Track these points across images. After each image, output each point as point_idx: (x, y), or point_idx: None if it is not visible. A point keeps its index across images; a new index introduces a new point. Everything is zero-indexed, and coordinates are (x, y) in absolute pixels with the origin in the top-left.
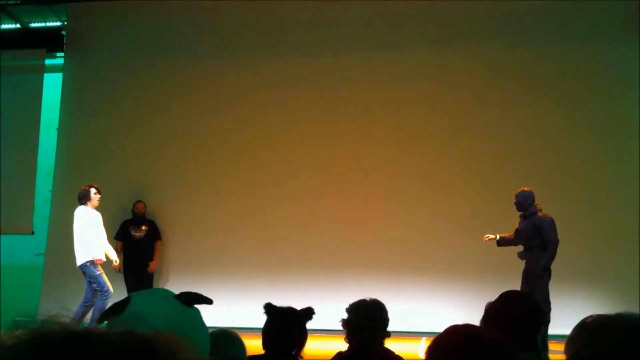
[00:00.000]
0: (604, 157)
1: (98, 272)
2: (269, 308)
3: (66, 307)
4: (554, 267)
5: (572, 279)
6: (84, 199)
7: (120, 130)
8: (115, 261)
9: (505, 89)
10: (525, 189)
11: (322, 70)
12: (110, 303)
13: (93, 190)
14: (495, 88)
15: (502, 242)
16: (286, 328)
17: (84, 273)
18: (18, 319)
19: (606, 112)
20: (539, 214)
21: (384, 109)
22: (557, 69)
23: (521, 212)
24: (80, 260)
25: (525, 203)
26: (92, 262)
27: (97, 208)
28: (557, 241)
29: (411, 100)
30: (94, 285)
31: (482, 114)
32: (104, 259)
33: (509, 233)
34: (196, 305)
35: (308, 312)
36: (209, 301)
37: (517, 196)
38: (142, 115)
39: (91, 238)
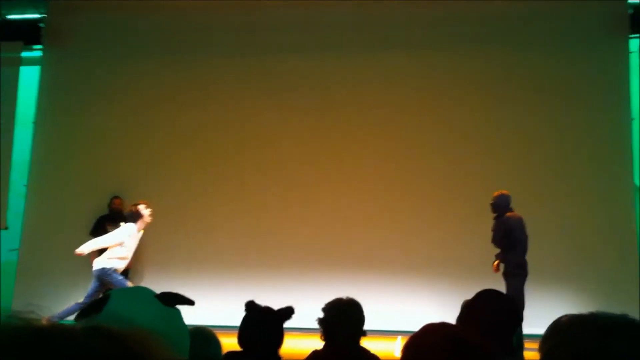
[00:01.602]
0: (586, 159)
1: (120, 277)
2: (250, 305)
3: (39, 304)
4: (529, 266)
5: (546, 278)
6: (133, 217)
7: (98, 125)
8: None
9: (486, 96)
10: (504, 192)
11: (317, 71)
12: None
13: (143, 206)
14: (477, 94)
15: (492, 240)
16: (264, 326)
17: (99, 279)
18: None
19: (593, 114)
20: (508, 214)
21: (378, 111)
22: (545, 73)
23: (495, 214)
24: (99, 265)
25: (500, 205)
26: (115, 270)
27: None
28: (524, 238)
29: (401, 106)
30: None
31: (462, 120)
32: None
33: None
34: (177, 306)
35: (287, 312)
36: (190, 302)
37: (494, 198)
38: (120, 111)
39: (117, 254)
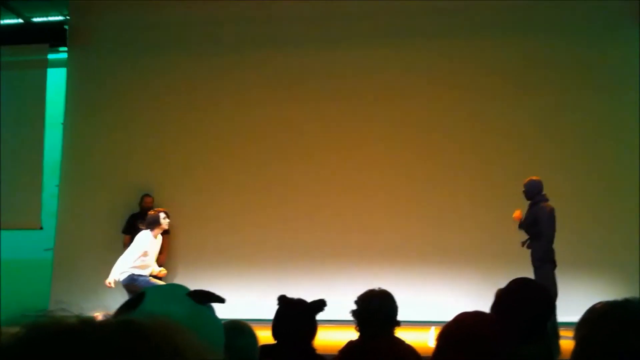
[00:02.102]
0: (609, 149)
1: (147, 279)
2: (283, 299)
3: (75, 302)
4: (561, 254)
5: (580, 266)
6: (153, 224)
7: (126, 124)
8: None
9: (505, 85)
10: (534, 178)
11: (323, 66)
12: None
13: (162, 215)
14: (495, 83)
15: (520, 225)
16: (297, 318)
17: (128, 289)
18: (24, 315)
19: (607, 105)
20: (542, 204)
21: (383, 106)
22: (558, 64)
23: (529, 201)
24: (122, 275)
25: (531, 192)
26: (138, 275)
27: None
28: (552, 232)
29: (409, 97)
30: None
31: (483, 110)
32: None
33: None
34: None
35: (320, 304)
36: (221, 300)
37: (525, 185)
38: (147, 110)
39: (146, 264)
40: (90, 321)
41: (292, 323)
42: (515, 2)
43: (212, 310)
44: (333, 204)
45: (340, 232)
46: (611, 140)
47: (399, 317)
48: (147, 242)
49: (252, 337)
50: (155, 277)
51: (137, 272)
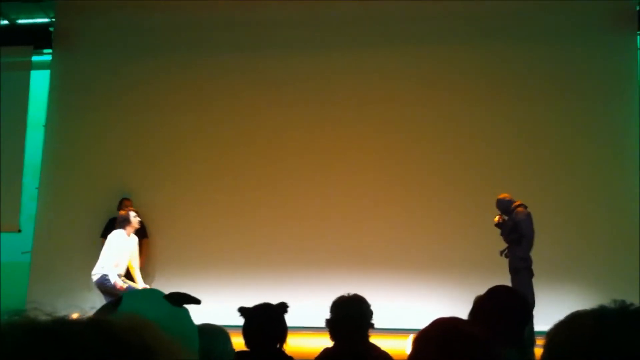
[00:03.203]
0: (591, 156)
1: (119, 285)
2: (242, 310)
3: (52, 304)
4: (540, 264)
5: (559, 275)
6: (123, 222)
7: (107, 128)
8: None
9: (489, 90)
10: (501, 196)
11: (313, 69)
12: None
13: (132, 214)
14: (480, 89)
15: (498, 225)
16: (264, 324)
17: (102, 291)
18: None
19: (601, 110)
20: (518, 209)
21: (373, 108)
22: (552, 69)
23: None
24: (95, 276)
25: (504, 207)
26: (108, 279)
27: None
28: (532, 234)
29: (400, 100)
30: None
31: (466, 115)
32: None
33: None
34: (185, 305)
35: (282, 307)
36: (197, 301)
37: (496, 204)
38: (129, 113)
39: (117, 263)
40: (62, 320)
41: (261, 328)
42: (502, 7)
43: (187, 314)
44: (315, 209)
45: (320, 239)
46: (594, 148)
47: (376, 323)
48: (120, 241)
49: (227, 341)
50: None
51: (110, 272)
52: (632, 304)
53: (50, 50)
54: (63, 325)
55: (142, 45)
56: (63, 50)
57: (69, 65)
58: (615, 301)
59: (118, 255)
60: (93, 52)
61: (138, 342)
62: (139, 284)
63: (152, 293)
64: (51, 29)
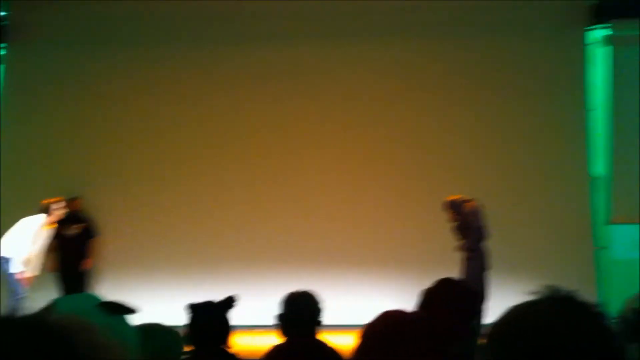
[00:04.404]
0: (542, 151)
1: (13, 272)
2: (190, 306)
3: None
4: (494, 259)
5: (508, 270)
6: (43, 212)
7: (60, 125)
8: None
9: (447, 87)
10: (450, 198)
11: (296, 60)
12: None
13: (54, 206)
14: (438, 86)
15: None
16: (205, 321)
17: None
18: None
19: (551, 106)
20: (466, 204)
21: (328, 106)
22: (503, 66)
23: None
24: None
25: (456, 207)
26: (12, 263)
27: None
28: (481, 225)
29: (356, 97)
30: (8, 283)
31: (425, 113)
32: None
33: None
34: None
35: (229, 301)
36: (132, 311)
37: (447, 206)
38: (82, 110)
39: (26, 247)
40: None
41: (201, 325)
42: (453, 5)
43: (123, 320)
44: (257, 209)
45: (272, 235)
46: (544, 144)
47: (329, 322)
48: (33, 227)
49: (176, 341)
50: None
51: (18, 256)
52: (562, 290)
53: (4, 45)
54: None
55: (99, 39)
56: (17, 45)
57: (23, 59)
58: (547, 287)
59: (28, 240)
60: (49, 46)
61: (71, 341)
62: (29, 271)
63: (86, 299)
64: (6, 22)
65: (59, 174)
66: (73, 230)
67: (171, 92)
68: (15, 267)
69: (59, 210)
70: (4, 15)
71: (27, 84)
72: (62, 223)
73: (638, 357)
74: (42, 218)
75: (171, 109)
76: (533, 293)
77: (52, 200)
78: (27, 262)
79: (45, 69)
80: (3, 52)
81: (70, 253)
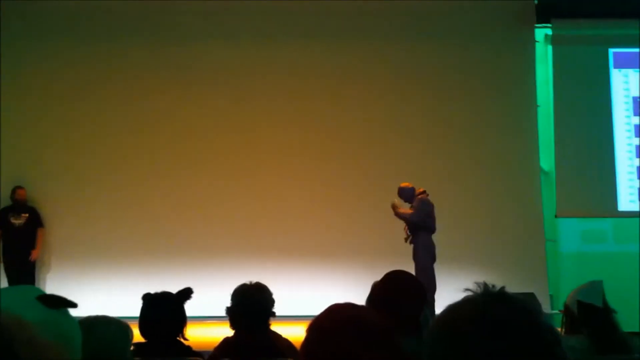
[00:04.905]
0: (494, 146)
1: None
2: (145, 296)
3: None
4: (444, 252)
5: (458, 262)
6: None
7: (12, 114)
8: None
9: (399, 85)
10: (402, 185)
11: (243, 59)
12: None
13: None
14: (388, 84)
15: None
16: (160, 312)
17: None
18: None
19: (500, 102)
20: (418, 197)
21: (294, 100)
22: (456, 64)
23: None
24: None
25: (407, 195)
26: None
27: None
28: (433, 221)
29: (315, 92)
30: None
31: (383, 108)
32: None
33: None
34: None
35: (185, 293)
36: (73, 305)
37: (398, 192)
38: (22, 98)
39: None
40: None
41: (156, 316)
42: (409, 5)
43: (66, 313)
44: (209, 200)
45: (225, 227)
46: (497, 140)
47: (280, 313)
48: None
49: (124, 333)
50: None
51: None
52: (494, 286)
53: None
54: None
55: (91, 34)
56: (9, 40)
57: (15, 54)
58: (479, 284)
59: None
60: (40, 41)
61: (12, 339)
62: None
63: (27, 292)
64: None
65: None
66: (19, 219)
67: (119, 83)
68: None
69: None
70: None
71: (19, 80)
72: (8, 212)
73: (585, 348)
74: None
75: (163, 105)
76: (467, 290)
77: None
78: None
79: (36, 64)
80: None
81: (17, 243)
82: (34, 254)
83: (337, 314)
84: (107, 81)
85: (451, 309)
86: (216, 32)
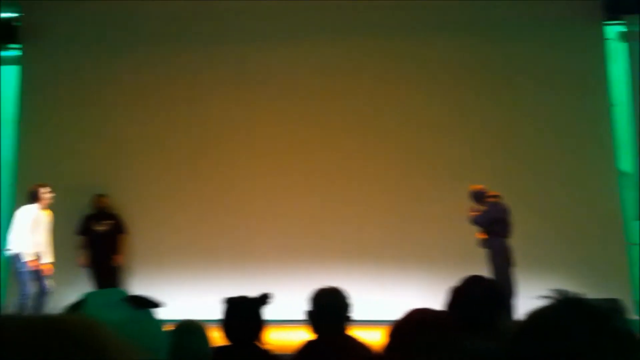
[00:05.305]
0: (569, 147)
1: (25, 270)
2: (227, 300)
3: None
4: (520, 255)
5: (536, 266)
6: (32, 198)
7: (82, 123)
8: (44, 264)
9: (467, 84)
10: (473, 187)
11: (295, 60)
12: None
13: (42, 190)
14: (456, 83)
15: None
16: (241, 316)
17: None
18: None
19: (573, 102)
20: (496, 201)
21: (333, 105)
22: (523, 62)
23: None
24: (10, 252)
25: (478, 197)
26: (21, 257)
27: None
28: (509, 225)
29: (379, 94)
30: (18, 281)
31: (437, 110)
32: (37, 262)
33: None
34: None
35: (264, 298)
36: (157, 305)
37: (469, 195)
38: (103, 108)
39: (30, 237)
40: (12, 315)
41: (237, 320)
42: (475, 1)
43: (151, 314)
44: (285, 207)
45: (293, 234)
46: (569, 141)
47: (358, 317)
48: (30, 214)
49: (203, 336)
50: (39, 271)
51: (27, 249)
52: (571, 293)
53: (18, 45)
54: (13, 321)
55: (112, 38)
56: (31, 45)
57: (37, 59)
58: (557, 291)
59: (29, 230)
60: (62, 46)
61: (89, 343)
62: (45, 259)
63: (114, 294)
64: (18, 23)
65: (78, 174)
66: (102, 226)
67: (188, 90)
68: (26, 258)
69: (48, 194)
70: (15, 17)
71: (42, 84)
72: (91, 219)
73: None
74: (34, 205)
75: (188, 107)
76: (543, 297)
77: (38, 185)
78: (35, 252)
79: (60, 68)
80: (18, 52)
81: (101, 249)
82: (117, 259)
83: (417, 318)
84: (169, 88)
85: (532, 316)
86: (270, 33)
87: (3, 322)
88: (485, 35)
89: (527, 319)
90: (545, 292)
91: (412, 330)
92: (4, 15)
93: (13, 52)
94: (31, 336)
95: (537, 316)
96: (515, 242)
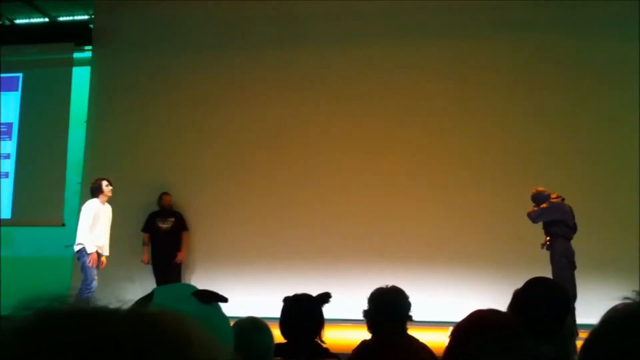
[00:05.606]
0: (629, 147)
1: (88, 264)
2: (287, 298)
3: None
4: (583, 257)
5: (601, 268)
6: (95, 192)
7: (147, 124)
8: (104, 257)
9: (512, 83)
10: (535, 190)
11: (347, 61)
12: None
13: (105, 183)
14: (501, 81)
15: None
16: (300, 313)
17: (78, 259)
18: (36, 300)
19: (610, 103)
20: (554, 200)
21: (403, 100)
22: (560, 61)
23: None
24: (77, 246)
25: (540, 199)
26: (86, 252)
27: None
28: (572, 226)
29: (429, 92)
30: (82, 275)
31: (490, 109)
32: (98, 255)
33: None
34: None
35: (324, 297)
36: (224, 299)
37: (532, 197)
38: (168, 109)
39: (94, 231)
40: (102, 309)
41: (297, 318)
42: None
43: (219, 309)
44: (345, 205)
45: (354, 233)
46: (622, 138)
47: (415, 317)
48: (93, 208)
49: (268, 334)
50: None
51: (88, 243)
52: None
53: (90, 47)
54: (102, 314)
55: (182, 41)
56: (102, 47)
57: (108, 61)
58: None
59: (97, 225)
60: (132, 48)
61: (179, 337)
62: (104, 252)
63: (182, 288)
64: (91, 25)
65: (144, 173)
66: (166, 223)
67: (255, 92)
68: (88, 252)
69: (109, 187)
70: (89, 19)
71: (112, 85)
72: (156, 217)
73: None
74: (95, 200)
75: (255, 109)
76: (624, 298)
77: (100, 179)
78: (96, 245)
79: (130, 70)
80: (89, 54)
81: (164, 246)
82: (180, 256)
83: (480, 319)
84: (247, 92)
85: (606, 320)
86: (331, 34)
87: (90, 312)
88: (532, 32)
89: (603, 322)
90: (623, 295)
91: (474, 332)
92: (80, 17)
93: (87, 53)
94: (130, 331)
95: (615, 320)
96: (584, 244)
